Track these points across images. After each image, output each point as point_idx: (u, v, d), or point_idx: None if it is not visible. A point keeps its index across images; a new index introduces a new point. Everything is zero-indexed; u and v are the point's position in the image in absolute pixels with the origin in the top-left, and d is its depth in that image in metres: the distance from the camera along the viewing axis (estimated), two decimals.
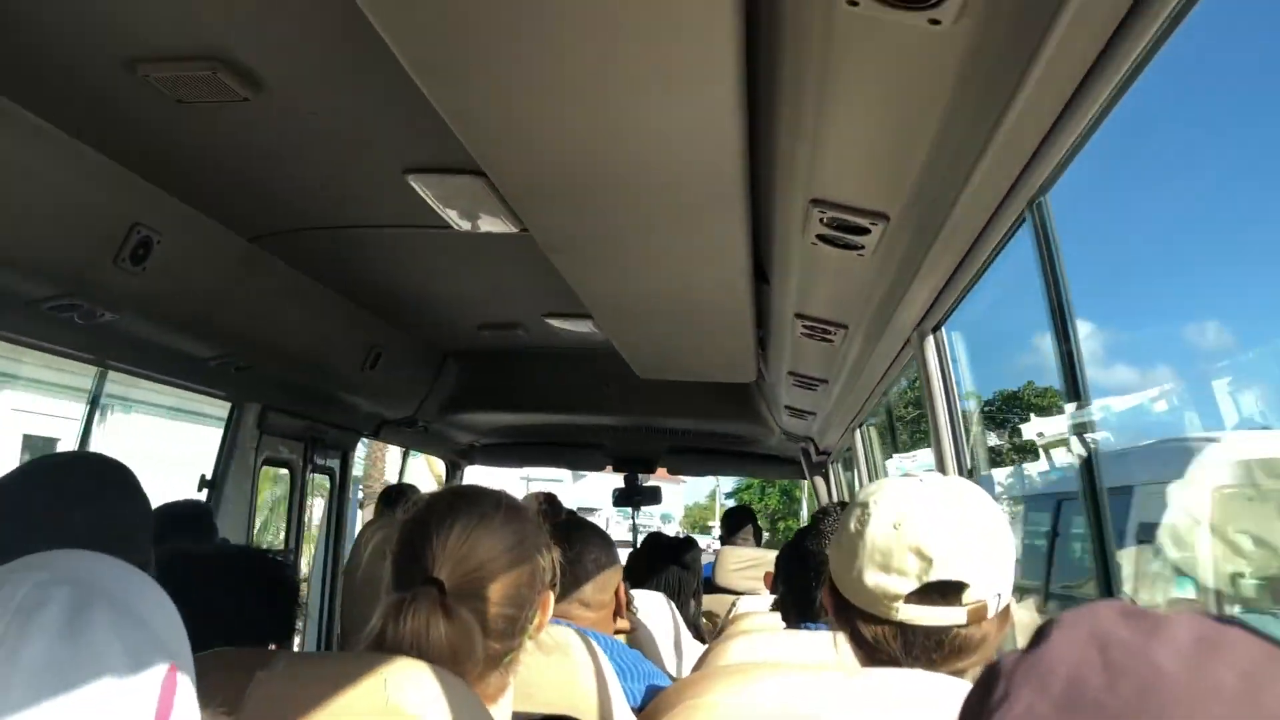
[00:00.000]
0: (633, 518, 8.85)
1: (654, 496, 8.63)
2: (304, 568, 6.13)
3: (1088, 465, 2.36)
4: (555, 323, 5.13)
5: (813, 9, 1.54)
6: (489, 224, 3.44)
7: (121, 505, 1.76)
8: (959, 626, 1.39)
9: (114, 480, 1.79)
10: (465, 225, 3.47)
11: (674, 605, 3.97)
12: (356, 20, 1.86)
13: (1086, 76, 1.47)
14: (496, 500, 1.55)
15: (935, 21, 1.42)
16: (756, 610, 3.67)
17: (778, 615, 2.91)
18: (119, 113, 2.70)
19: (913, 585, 1.39)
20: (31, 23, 2.25)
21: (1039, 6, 1.34)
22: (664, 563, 4.66)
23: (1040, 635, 0.64)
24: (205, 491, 4.67)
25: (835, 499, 6.75)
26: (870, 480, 5.63)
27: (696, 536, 7.49)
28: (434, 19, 1.76)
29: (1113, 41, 1.37)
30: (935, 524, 1.40)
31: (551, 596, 1.59)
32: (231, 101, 2.56)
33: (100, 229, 3.05)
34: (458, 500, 1.53)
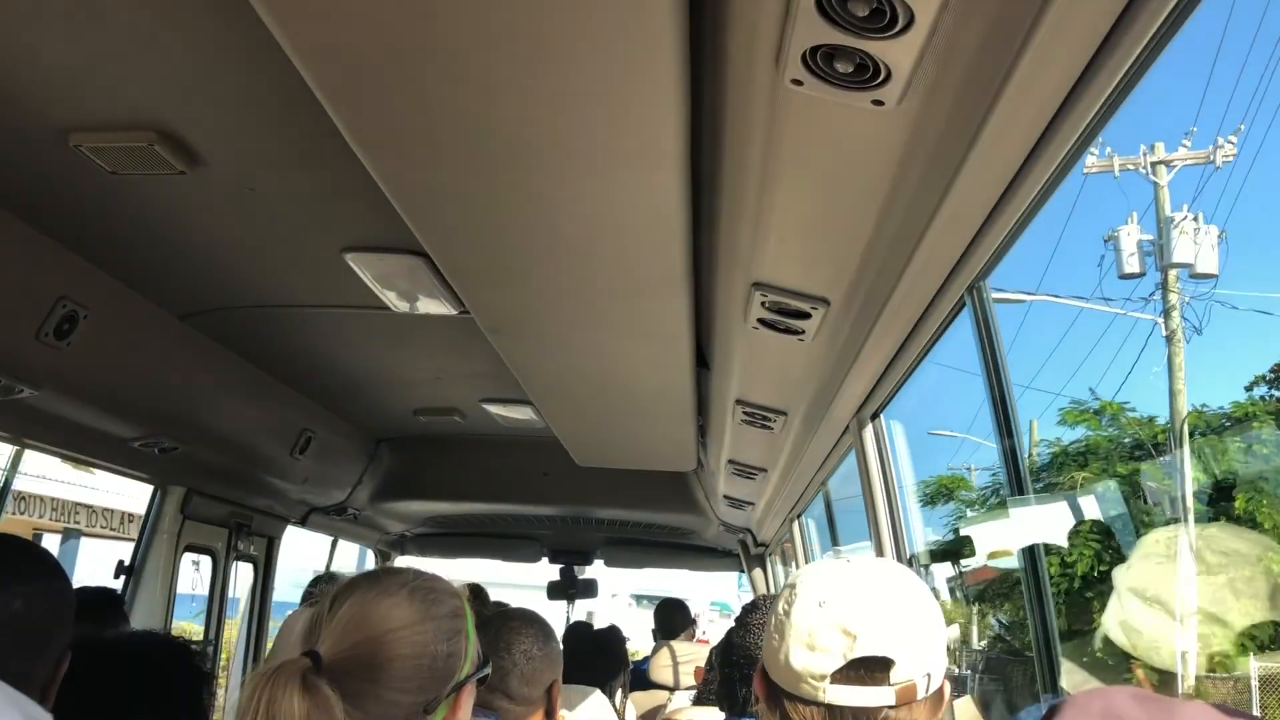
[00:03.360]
0: (568, 613, 8.67)
1: (590, 590, 8.46)
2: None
3: (1030, 557, 2.34)
4: (493, 409, 5.08)
5: (756, 89, 1.55)
6: (427, 305, 3.41)
7: (54, 586, 1.70)
8: (888, 708, 1.37)
9: (45, 561, 1.73)
10: (403, 306, 3.43)
11: (611, 703, 3.84)
12: (299, 96, 1.84)
13: (1028, 158, 1.49)
14: (406, 578, 1.47)
15: (879, 103, 1.44)
16: (683, 706, 3.58)
17: (715, 710, 2.84)
18: (50, 184, 2.64)
19: (837, 663, 1.36)
20: None
21: (980, 88, 1.36)
22: (588, 653, 4.52)
23: (1052, 713, 0.63)
24: (123, 578, 4.48)
25: (773, 592, 6.68)
26: None
27: None
28: (380, 94, 1.75)
29: (1053, 123, 1.40)
30: (860, 601, 1.39)
31: (470, 692, 1.50)
32: (167, 175, 2.52)
33: (24, 302, 2.96)
34: (366, 576, 1.47)
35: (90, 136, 2.38)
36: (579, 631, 4.83)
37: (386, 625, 1.38)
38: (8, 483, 3.89)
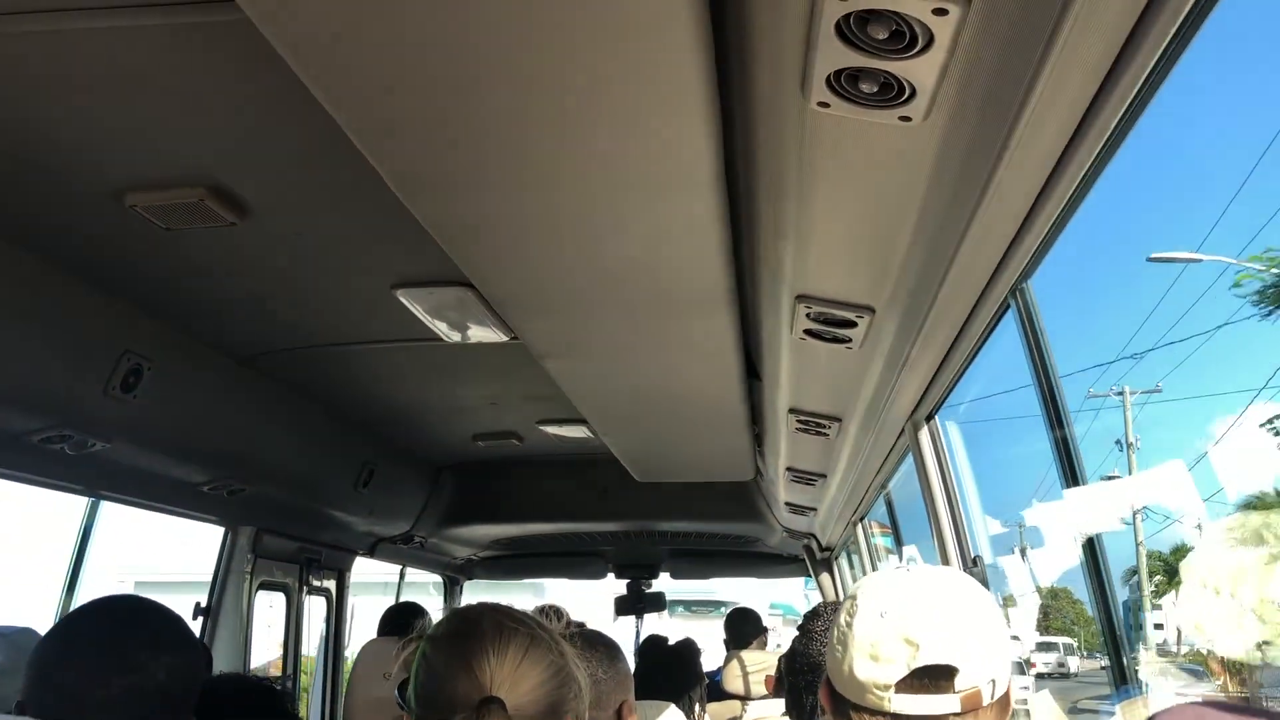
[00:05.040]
0: (637, 628, 8.66)
1: (657, 603, 8.46)
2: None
3: (1091, 553, 2.32)
4: (551, 430, 5.12)
5: (784, 113, 1.57)
6: (479, 334, 3.46)
7: (191, 655, 1.79)
8: (953, 715, 1.37)
9: (184, 630, 1.82)
10: (455, 337, 3.49)
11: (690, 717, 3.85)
12: (341, 141, 1.89)
13: (1059, 162, 1.49)
14: (539, 621, 1.54)
15: (906, 119, 1.45)
16: (769, 714, 3.58)
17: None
18: (108, 244, 2.73)
19: (901, 672, 1.37)
20: (19, 159, 2.29)
21: (1006, 98, 1.37)
22: (664, 667, 4.52)
23: None
24: (200, 619, 4.58)
25: (841, 596, 6.64)
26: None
27: None
28: (416, 136, 1.79)
29: (1080, 128, 1.40)
30: (921, 610, 1.40)
31: None
32: (219, 226, 2.60)
33: (90, 359, 3.06)
34: (508, 620, 1.50)
35: (144, 196, 2.46)
36: (654, 645, 4.83)
37: (551, 670, 1.45)
38: (87, 534, 4.01)
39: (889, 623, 1.40)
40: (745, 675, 5.24)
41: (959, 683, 1.36)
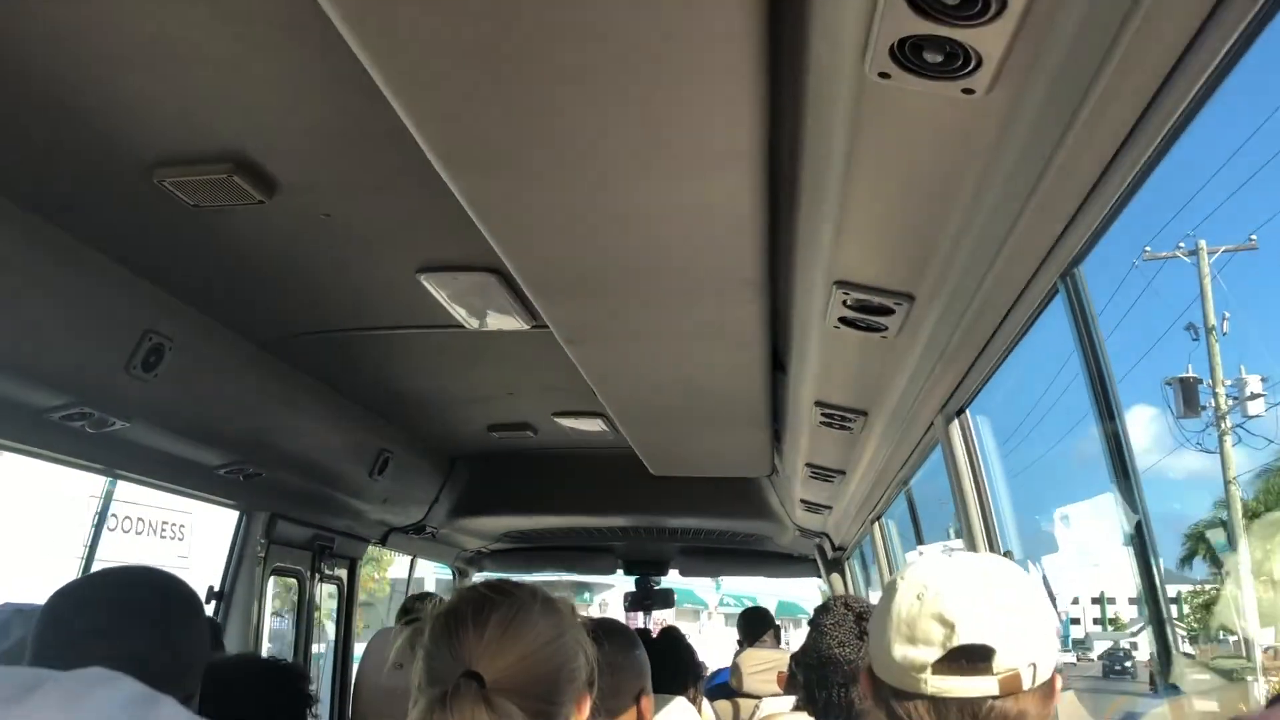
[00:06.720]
0: (645, 623, 8.65)
1: (666, 600, 8.45)
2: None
3: (1141, 548, 2.26)
4: (565, 422, 5.10)
5: (840, 84, 1.53)
6: (498, 321, 3.44)
7: (184, 629, 1.70)
8: (992, 698, 1.34)
9: (178, 602, 1.73)
10: (474, 323, 3.47)
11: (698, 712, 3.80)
12: (373, 119, 1.86)
13: (1128, 138, 1.45)
14: (532, 592, 1.50)
15: (969, 91, 1.41)
16: (778, 711, 3.53)
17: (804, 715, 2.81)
18: (135, 220, 2.70)
19: (937, 653, 1.35)
20: (52, 134, 2.27)
21: (1077, 70, 1.33)
22: (655, 660, 4.45)
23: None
24: (213, 603, 4.56)
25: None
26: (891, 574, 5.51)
27: None
28: (458, 109, 1.75)
29: (1155, 100, 1.35)
30: (958, 591, 1.37)
31: (589, 698, 1.53)
32: (246, 205, 2.57)
33: (113, 337, 3.03)
34: (494, 593, 1.48)
35: (173, 171, 2.43)
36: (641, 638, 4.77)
37: (539, 641, 1.41)
38: (104, 513, 3.98)
39: (926, 603, 1.38)
40: (742, 672, 5.21)
41: (997, 664, 1.34)
